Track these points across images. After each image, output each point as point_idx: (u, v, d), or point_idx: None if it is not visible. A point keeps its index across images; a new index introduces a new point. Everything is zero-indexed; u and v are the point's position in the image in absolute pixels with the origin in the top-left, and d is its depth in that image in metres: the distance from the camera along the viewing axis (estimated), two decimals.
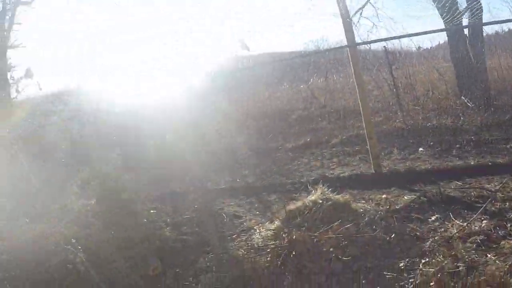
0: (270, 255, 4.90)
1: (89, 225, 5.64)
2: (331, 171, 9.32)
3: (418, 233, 5.18)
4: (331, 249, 4.81)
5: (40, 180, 10.02)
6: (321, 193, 6.17)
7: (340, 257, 4.70)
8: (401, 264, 4.50)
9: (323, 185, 6.35)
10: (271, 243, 5.23)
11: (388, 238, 5.08)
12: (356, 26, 8.53)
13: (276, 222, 5.79)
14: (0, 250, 5.84)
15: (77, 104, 13.17)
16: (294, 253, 4.77)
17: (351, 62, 8.49)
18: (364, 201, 6.69)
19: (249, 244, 5.52)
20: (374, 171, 8.40)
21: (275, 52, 25.82)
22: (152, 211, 7.55)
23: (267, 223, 6.22)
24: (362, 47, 15.40)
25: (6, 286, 5.18)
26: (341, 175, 8.82)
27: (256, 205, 7.77)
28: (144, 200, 8.07)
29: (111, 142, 12.02)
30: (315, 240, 4.93)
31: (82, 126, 12.63)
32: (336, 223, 5.20)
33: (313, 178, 8.69)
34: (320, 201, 5.92)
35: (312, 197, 6.12)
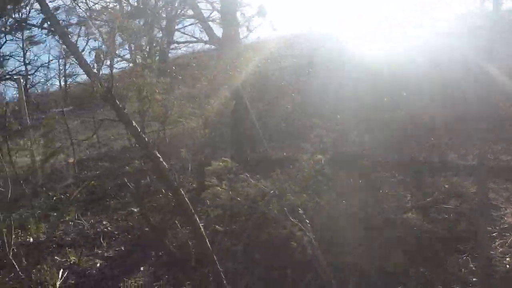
0: None
1: (320, 193, 5.19)
2: None
3: None
4: None
5: (264, 129, 10.10)
6: None
7: None
8: None
9: None
10: None
11: None
12: None
13: None
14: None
15: (311, 49, 12.93)
16: None
17: None
18: None
19: None
20: None
21: None
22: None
23: None
24: None
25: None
26: None
27: None
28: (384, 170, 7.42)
29: (344, 95, 11.54)
30: None
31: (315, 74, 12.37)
32: None
33: None
34: None
35: None
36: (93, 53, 4.54)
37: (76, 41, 28.90)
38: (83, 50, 26.51)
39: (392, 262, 4.36)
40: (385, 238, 4.67)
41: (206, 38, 12.30)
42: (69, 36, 4.88)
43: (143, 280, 5.72)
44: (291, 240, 4.49)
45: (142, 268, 6.08)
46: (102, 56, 4.39)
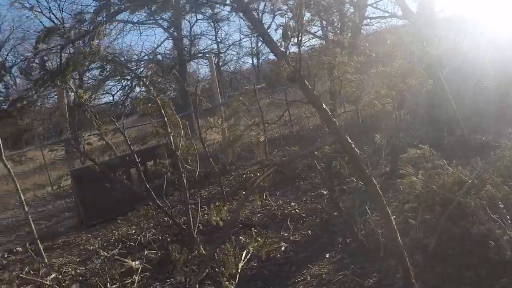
0: None
1: None
2: None
3: None
4: None
5: (461, 110, 9.80)
6: None
7: None
8: None
9: None
10: None
11: None
12: None
13: None
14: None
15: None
16: None
17: None
18: None
19: None
20: None
21: None
22: None
23: None
24: None
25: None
26: None
27: None
28: None
29: None
30: None
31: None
32: None
33: None
34: None
35: None
36: (280, 30, 4.81)
37: (261, 17, 30.48)
38: (269, 26, 27.90)
39: None
40: None
41: (399, 13, 12.23)
42: (254, 12, 5.17)
43: (327, 268, 5.96)
44: (488, 238, 4.43)
45: (327, 255, 6.33)
46: (290, 33, 4.60)
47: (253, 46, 37.18)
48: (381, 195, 4.33)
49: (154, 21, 26.78)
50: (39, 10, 27.47)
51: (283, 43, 4.41)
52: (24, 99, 22.72)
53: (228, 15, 31.22)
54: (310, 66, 4.77)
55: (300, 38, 4.30)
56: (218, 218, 7.89)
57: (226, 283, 5.60)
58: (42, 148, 16.91)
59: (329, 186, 6.80)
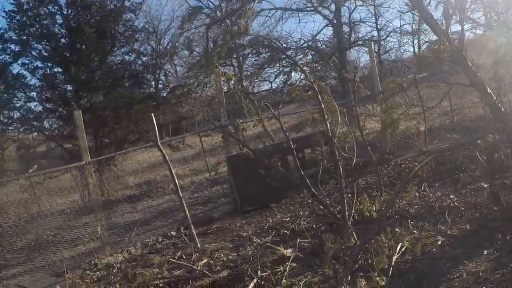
0: None
1: None
2: None
3: None
4: None
5: None
6: None
7: None
8: None
9: None
10: None
11: None
12: None
13: None
14: None
15: None
16: None
17: None
18: None
19: None
20: None
21: None
22: None
23: None
24: None
25: None
26: None
27: None
28: None
29: None
30: None
31: None
32: None
33: None
34: None
35: None
36: (441, 8, 4.82)
37: None
38: (428, 3, 27.29)
39: None
40: None
41: None
42: None
43: (485, 265, 5.91)
44: None
45: (485, 252, 6.26)
46: (451, 10, 4.56)
47: (413, 27, 36.37)
48: None
49: (313, 8, 27.20)
50: None
51: (444, 21, 4.41)
52: (184, 86, 24.11)
53: None
54: (474, 49, 4.76)
55: (462, 16, 4.29)
56: (370, 209, 7.98)
57: (377, 278, 5.72)
58: (200, 134, 17.78)
59: (489, 179, 6.69)
